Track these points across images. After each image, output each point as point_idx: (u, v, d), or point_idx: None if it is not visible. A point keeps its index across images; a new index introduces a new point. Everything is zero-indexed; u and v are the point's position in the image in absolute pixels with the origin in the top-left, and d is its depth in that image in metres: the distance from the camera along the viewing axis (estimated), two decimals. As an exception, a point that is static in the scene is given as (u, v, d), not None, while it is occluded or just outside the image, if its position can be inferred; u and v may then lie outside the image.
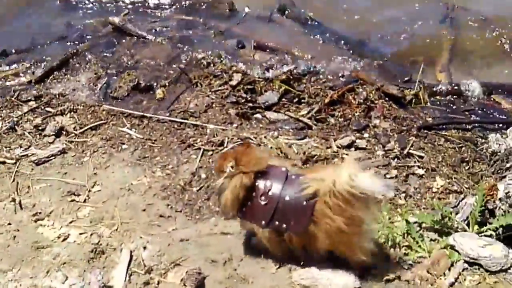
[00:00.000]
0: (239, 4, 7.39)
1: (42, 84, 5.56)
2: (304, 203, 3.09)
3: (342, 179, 2.95)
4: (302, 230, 3.14)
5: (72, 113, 5.07)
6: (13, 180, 4.21)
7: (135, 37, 6.48)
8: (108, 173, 4.39)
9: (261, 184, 3.20)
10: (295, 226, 3.15)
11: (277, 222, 3.17)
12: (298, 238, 3.21)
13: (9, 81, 5.57)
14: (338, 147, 4.63)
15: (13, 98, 5.22)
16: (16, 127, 4.82)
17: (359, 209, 3.01)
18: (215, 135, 4.79)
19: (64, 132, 4.81)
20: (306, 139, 4.76)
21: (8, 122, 4.86)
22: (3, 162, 4.38)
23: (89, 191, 4.16)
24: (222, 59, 6.02)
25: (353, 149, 4.65)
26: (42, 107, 5.14)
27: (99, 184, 4.25)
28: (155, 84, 5.63)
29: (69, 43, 6.38)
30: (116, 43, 6.40)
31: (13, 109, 5.08)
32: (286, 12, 7.29)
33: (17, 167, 4.35)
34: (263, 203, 3.17)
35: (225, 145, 4.65)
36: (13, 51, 6.18)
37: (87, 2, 7.22)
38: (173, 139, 4.78)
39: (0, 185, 4.15)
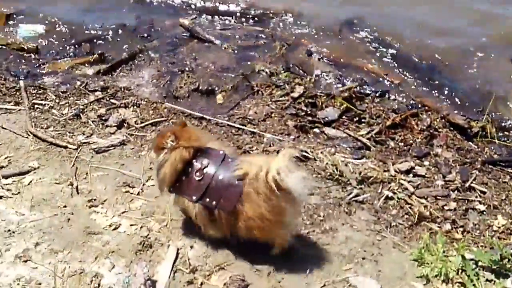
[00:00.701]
0: (308, 16, 7.38)
1: (109, 76, 5.71)
2: (236, 182, 3.24)
3: (271, 169, 3.08)
4: (229, 208, 3.27)
5: (135, 107, 5.17)
6: (73, 165, 4.31)
7: (202, 41, 6.57)
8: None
9: (198, 161, 3.36)
10: (224, 204, 3.28)
11: (207, 199, 3.31)
12: (225, 217, 3.32)
13: (79, 70, 5.75)
14: (396, 171, 4.51)
15: (81, 87, 5.38)
16: (81, 114, 4.96)
17: (283, 200, 3.16)
18: (272, 145, 4.76)
19: (125, 125, 4.91)
20: (363, 160, 4.66)
21: (74, 109, 5.00)
22: (65, 147, 4.50)
23: (144, 184, 4.21)
24: (285, 70, 6.01)
25: (411, 175, 4.51)
26: (107, 98, 5.27)
27: (154, 179, 4.29)
28: (216, 88, 5.68)
29: (138, 39, 6.53)
30: (183, 44, 6.52)
31: (80, 97, 5.23)
32: (355, 28, 7.22)
33: (78, 153, 4.46)
34: (197, 179, 3.32)
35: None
36: (85, 41, 6.36)
37: (160, 1, 7.39)
38: (230, 144, 4.78)
39: (60, 169, 4.26)
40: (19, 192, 4.01)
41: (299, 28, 7.20)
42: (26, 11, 6.77)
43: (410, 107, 5.51)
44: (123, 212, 3.90)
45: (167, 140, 3.39)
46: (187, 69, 5.95)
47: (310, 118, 5.23)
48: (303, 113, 5.26)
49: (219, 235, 3.48)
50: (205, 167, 3.34)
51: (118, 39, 6.50)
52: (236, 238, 3.44)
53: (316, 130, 5.12)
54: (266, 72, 5.95)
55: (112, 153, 4.54)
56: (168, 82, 5.68)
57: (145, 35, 6.65)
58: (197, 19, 7.02)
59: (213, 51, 6.38)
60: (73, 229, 3.68)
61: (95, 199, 4.00)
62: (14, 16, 6.63)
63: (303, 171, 3.36)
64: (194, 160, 3.36)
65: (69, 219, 3.77)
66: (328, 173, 4.42)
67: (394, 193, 4.25)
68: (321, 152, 4.67)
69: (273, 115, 5.23)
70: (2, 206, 3.84)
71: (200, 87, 5.59)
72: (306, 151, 4.64)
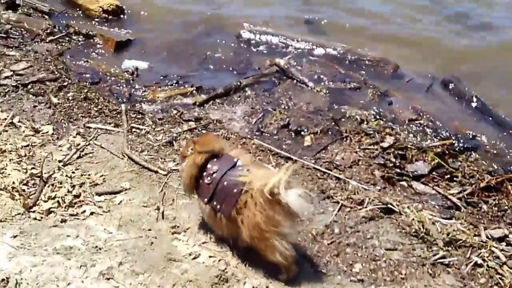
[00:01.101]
0: (405, 68, 7.30)
1: (203, 108, 5.91)
2: (235, 190, 3.47)
3: (270, 182, 3.27)
4: (227, 212, 3.53)
5: (225, 140, 5.30)
6: (161, 190, 4.47)
7: (295, 81, 6.66)
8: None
9: (210, 165, 3.68)
10: (224, 208, 3.55)
11: (214, 202, 3.61)
12: (226, 221, 3.58)
13: (176, 100, 6.00)
14: (487, 237, 4.26)
15: (176, 116, 5.61)
16: (174, 142, 5.15)
17: (279, 213, 3.35)
18: (356, 193, 4.68)
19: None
20: (453, 220, 4.45)
21: (168, 137, 5.22)
22: (156, 172, 4.68)
23: (227, 217, 4.26)
24: (377, 119, 5.93)
25: (504, 243, 4.24)
26: (200, 129, 5.45)
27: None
28: (305, 129, 5.70)
29: (234, 75, 6.73)
30: (277, 83, 6.63)
31: (175, 126, 5.45)
32: (450, 86, 7.02)
33: (167, 179, 4.62)
34: (207, 182, 3.64)
35: (364, 205, 4.52)
36: (184, 74, 6.64)
37: (258, 40, 7.61)
38: (314, 187, 4.76)
39: (150, 192, 4.42)
40: (109, 210, 4.20)
41: (394, 78, 7.12)
42: (136, 42, 7.19)
43: (507, 170, 5.21)
44: (203, 243, 3.96)
45: (188, 149, 3.81)
46: (279, 107, 6.03)
47: (398, 170, 5.10)
48: (391, 164, 5.15)
49: (223, 236, 3.80)
50: (214, 172, 3.63)
51: (216, 74, 6.73)
52: (237, 243, 3.73)
53: (404, 183, 4.98)
54: (357, 119, 5.90)
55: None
56: (260, 119, 5.77)
57: (242, 72, 6.85)
58: (292, 59, 7.13)
59: (306, 92, 6.44)
60: (155, 253, 3.78)
61: (178, 226, 4.10)
62: (125, 44, 7.06)
63: (301, 188, 3.46)
64: (208, 165, 3.67)
65: (152, 243, 3.89)
66: (413, 230, 4.27)
67: (484, 260, 4.01)
68: (408, 207, 4.52)
69: (360, 162, 5.15)
70: (92, 222, 4.03)
71: (290, 126, 5.64)
72: (391, 204, 4.51)
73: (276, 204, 3.33)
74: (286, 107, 6.08)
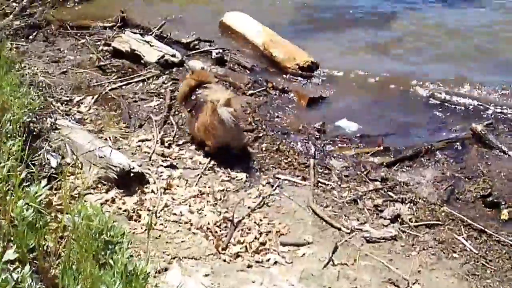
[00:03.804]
0: None
1: (390, 169, 5.79)
2: (204, 103, 5.44)
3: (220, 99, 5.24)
4: (196, 116, 5.51)
5: (411, 204, 5.12)
6: (343, 249, 4.45)
7: (492, 149, 6.17)
8: (432, 276, 4.23)
9: (198, 89, 5.65)
10: (196, 113, 5.52)
11: (193, 111, 5.57)
12: (194, 121, 5.55)
13: (363, 157, 5.99)
14: None
15: (363, 174, 5.58)
16: (358, 200, 5.13)
17: (216, 119, 5.27)
18: None
19: (399, 220, 4.88)
20: None
21: (353, 194, 5.21)
22: (339, 229, 4.69)
23: (409, 287, 4.06)
24: None
25: None
26: (385, 190, 5.34)
27: (421, 284, 4.11)
28: (503, 202, 5.21)
29: (424, 137, 6.50)
30: (470, 149, 6.21)
31: (360, 184, 5.43)
32: None
33: (350, 238, 4.58)
34: (192, 99, 5.65)
35: None
36: (374, 132, 6.60)
37: (451, 102, 7.24)
38: (511, 267, 4.30)
39: (331, 249, 4.41)
40: (292, 262, 4.30)
41: None
42: (328, 100, 7.40)
43: None
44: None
45: (188, 75, 5.97)
46: (474, 175, 5.63)
47: None
48: None
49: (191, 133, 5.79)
50: (199, 94, 5.58)
51: (405, 136, 6.55)
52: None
53: None
54: None
55: (382, 246, 4.54)
56: (451, 186, 5.45)
57: (432, 135, 6.59)
58: (491, 125, 6.64)
59: (505, 161, 5.92)
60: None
61: (357, 288, 4.02)
62: (317, 100, 7.32)
63: (231, 109, 5.28)
64: (197, 89, 5.64)
65: (327, 301, 3.87)
66: None
67: None
68: None
69: None
70: (275, 271, 4.16)
71: (488, 197, 5.22)
72: None
73: (216, 113, 5.20)
74: (483, 176, 5.64)
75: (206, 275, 3.99)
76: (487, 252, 4.52)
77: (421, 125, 6.92)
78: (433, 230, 4.77)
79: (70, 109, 6.35)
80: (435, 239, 4.65)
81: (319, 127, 6.54)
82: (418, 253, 4.46)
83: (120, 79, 7.33)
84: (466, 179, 5.60)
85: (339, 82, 7.93)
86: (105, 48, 8.17)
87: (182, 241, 4.39)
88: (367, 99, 7.55)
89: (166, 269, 3.99)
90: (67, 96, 6.72)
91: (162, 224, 4.63)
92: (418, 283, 4.12)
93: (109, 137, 5.95)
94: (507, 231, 4.82)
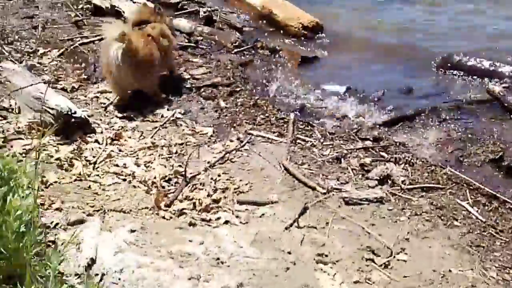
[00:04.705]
0: None
1: (386, 129, 4.87)
2: None
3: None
4: None
5: (406, 165, 4.21)
6: (315, 210, 3.56)
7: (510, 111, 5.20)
8: (424, 245, 3.31)
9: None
10: None
11: None
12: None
13: (357, 118, 5.07)
14: None
15: (351, 132, 4.69)
16: (342, 159, 4.24)
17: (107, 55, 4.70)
18: None
19: (389, 182, 3.97)
20: None
21: (337, 152, 4.32)
22: (314, 188, 3.80)
23: (393, 256, 3.16)
24: None
25: None
26: (377, 150, 4.44)
27: (407, 254, 3.21)
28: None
29: (432, 100, 5.54)
30: (486, 112, 5.26)
31: (347, 143, 4.53)
32: None
33: (325, 198, 3.70)
34: None
35: None
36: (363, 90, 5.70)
37: (465, 65, 6.23)
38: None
39: (299, 211, 3.54)
40: (247, 222, 3.44)
41: None
42: (322, 61, 6.50)
43: None
44: (355, 282, 2.94)
45: None
46: (486, 138, 4.69)
47: None
48: None
49: None
50: None
51: (412, 100, 5.58)
52: None
53: None
54: None
55: (364, 208, 3.64)
56: (459, 149, 4.52)
57: (441, 95, 5.64)
58: (510, 87, 5.65)
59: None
60: (289, 282, 2.88)
61: (326, 255, 3.14)
62: (310, 60, 6.44)
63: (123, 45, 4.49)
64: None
65: (288, 268, 2.99)
66: None
67: None
68: None
69: None
70: (224, 231, 3.30)
71: (501, 161, 4.27)
72: None
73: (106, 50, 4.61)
74: (495, 139, 4.69)
75: (132, 231, 3.15)
76: (498, 221, 3.59)
77: (428, 88, 5.96)
78: (430, 194, 3.85)
79: (22, 56, 5.63)
80: (432, 204, 3.73)
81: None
82: (409, 218, 3.54)
83: (94, 35, 6.59)
84: (475, 142, 4.65)
85: (341, 44, 7.02)
86: (86, 6, 7.48)
87: (114, 193, 3.57)
88: (369, 65, 6.59)
89: (82, 222, 3.16)
90: (31, 48, 6.02)
91: (98, 176, 3.82)
92: (405, 253, 3.21)
93: (64, 88, 5.23)
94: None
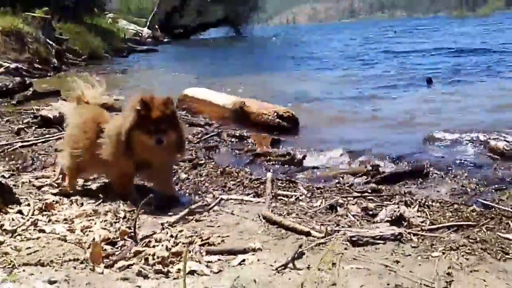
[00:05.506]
0: None
1: (384, 186, 4.03)
2: None
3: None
4: None
5: (421, 207, 3.31)
6: (313, 252, 2.56)
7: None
8: (475, 279, 2.31)
9: None
10: None
11: None
12: None
13: (344, 178, 4.24)
14: None
15: (344, 186, 3.83)
16: (338, 207, 3.32)
17: None
18: None
19: (404, 224, 3.04)
20: None
21: (329, 203, 3.40)
22: (307, 233, 2.83)
23: (438, 291, 2.15)
24: None
25: None
26: (378, 198, 3.55)
27: (457, 288, 2.20)
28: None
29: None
30: (489, 164, 4.54)
31: (341, 193, 3.64)
32: None
33: (324, 241, 2.72)
34: None
35: None
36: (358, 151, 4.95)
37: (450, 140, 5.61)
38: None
39: (292, 253, 2.53)
40: (220, 271, 2.39)
41: None
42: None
43: None
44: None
45: None
46: (501, 188, 3.89)
47: None
48: None
49: None
50: None
51: (400, 158, 4.85)
52: None
53: None
54: None
55: (380, 248, 2.65)
56: (476, 196, 3.69)
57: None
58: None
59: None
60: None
61: (342, 298, 2.09)
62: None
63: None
64: None
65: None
66: None
67: None
68: None
69: None
70: (189, 281, 2.24)
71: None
72: None
73: None
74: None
75: (52, 282, 2.07)
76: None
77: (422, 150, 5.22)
78: (462, 232, 2.92)
79: None
80: (469, 238, 2.78)
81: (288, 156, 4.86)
82: (443, 253, 2.57)
83: (36, 138, 5.88)
84: (493, 190, 3.83)
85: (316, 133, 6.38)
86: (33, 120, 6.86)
87: (32, 246, 2.52)
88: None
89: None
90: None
91: (15, 242, 2.76)
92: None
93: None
94: None
